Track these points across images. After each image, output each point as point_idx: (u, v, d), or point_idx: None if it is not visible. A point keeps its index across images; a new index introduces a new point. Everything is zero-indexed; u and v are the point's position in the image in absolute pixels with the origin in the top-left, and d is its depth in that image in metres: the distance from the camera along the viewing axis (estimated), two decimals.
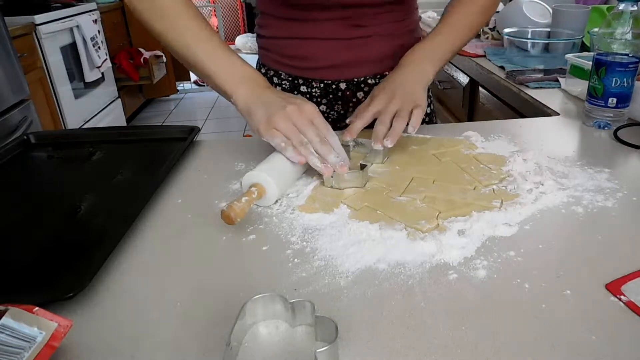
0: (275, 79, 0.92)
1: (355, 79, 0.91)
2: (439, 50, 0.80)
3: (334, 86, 0.91)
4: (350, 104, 0.93)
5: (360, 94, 0.92)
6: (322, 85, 0.91)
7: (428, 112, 0.98)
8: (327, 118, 0.91)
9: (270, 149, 0.66)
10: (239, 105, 0.68)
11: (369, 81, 0.91)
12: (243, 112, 0.68)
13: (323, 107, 0.93)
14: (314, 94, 0.92)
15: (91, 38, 2.95)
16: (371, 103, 0.72)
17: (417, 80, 0.75)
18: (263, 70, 0.95)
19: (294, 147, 0.62)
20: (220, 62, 0.70)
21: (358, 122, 0.70)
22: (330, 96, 0.92)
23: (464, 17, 0.83)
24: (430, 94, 0.99)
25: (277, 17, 0.88)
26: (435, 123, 1.02)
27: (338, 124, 0.93)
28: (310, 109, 0.64)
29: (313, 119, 0.64)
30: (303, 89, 0.92)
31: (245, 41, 5.19)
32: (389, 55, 0.89)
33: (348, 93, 0.92)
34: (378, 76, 0.92)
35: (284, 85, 0.92)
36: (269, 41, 0.91)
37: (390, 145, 0.67)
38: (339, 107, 0.94)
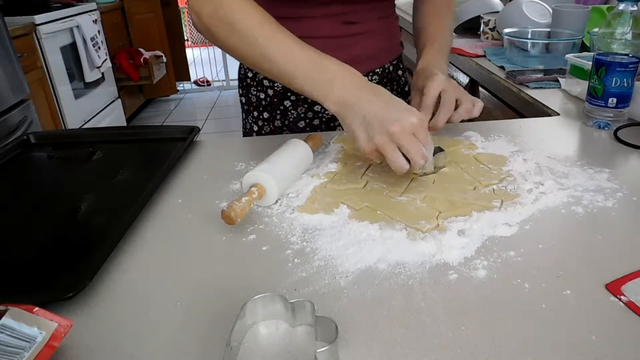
0: (266, 82, 0.90)
1: None
2: (445, 57, 0.86)
3: None
4: None
5: None
6: None
7: None
8: (322, 117, 0.92)
9: (271, 149, 0.66)
10: (334, 114, 0.63)
11: None
12: (340, 121, 0.63)
13: (318, 107, 0.92)
14: None
15: (91, 38, 2.96)
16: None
17: None
18: (251, 74, 0.92)
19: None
20: (304, 66, 0.64)
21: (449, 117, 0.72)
22: None
23: (443, 19, 0.89)
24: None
25: None
26: None
27: (332, 123, 0.92)
28: (413, 122, 0.59)
29: (416, 133, 0.59)
30: None
31: None
32: (377, 53, 0.91)
33: None
34: (370, 74, 0.92)
35: (276, 88, 0.91)
36: None
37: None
38: None
